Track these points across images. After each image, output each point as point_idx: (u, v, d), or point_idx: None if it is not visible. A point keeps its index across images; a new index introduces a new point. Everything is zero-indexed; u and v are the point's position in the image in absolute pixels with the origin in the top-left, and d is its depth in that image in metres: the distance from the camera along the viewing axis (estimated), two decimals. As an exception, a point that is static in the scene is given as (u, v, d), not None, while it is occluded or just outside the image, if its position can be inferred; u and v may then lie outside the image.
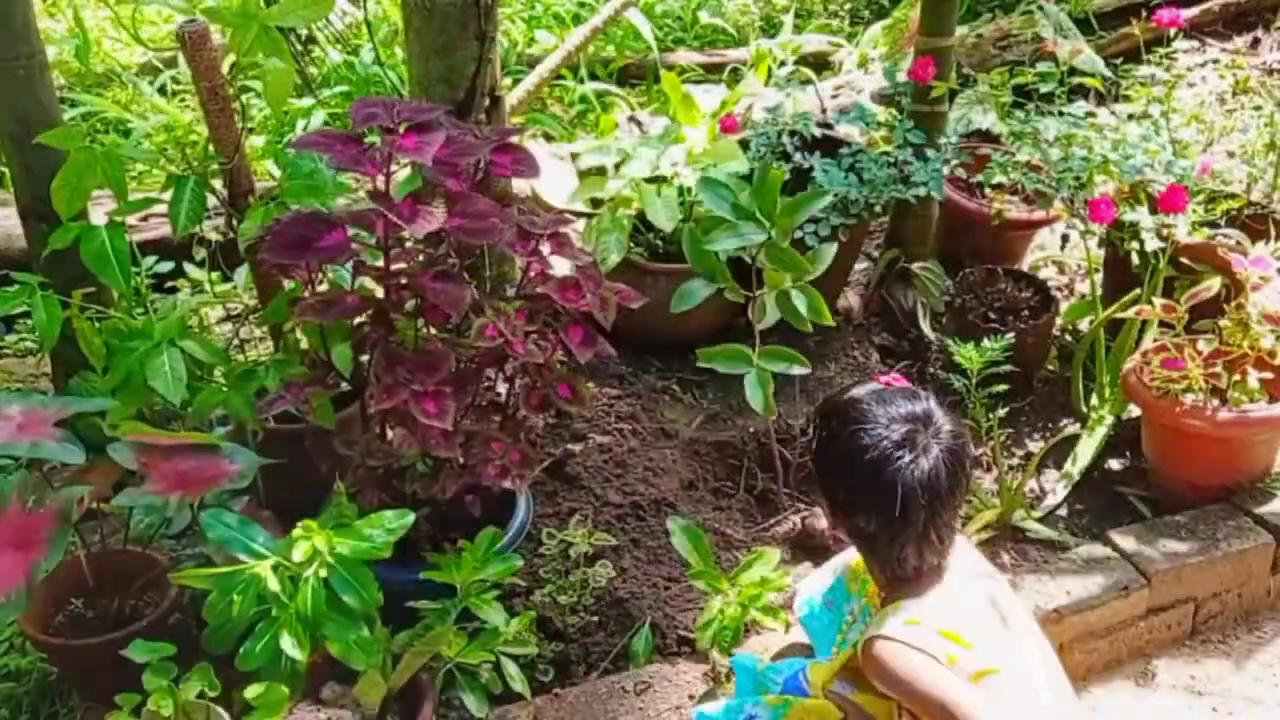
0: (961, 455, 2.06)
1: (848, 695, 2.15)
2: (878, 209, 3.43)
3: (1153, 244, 3.18)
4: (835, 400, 2.18)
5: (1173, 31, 3.62)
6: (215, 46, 2.54)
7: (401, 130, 2.14)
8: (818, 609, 2.46)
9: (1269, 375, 2.92)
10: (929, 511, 2.01)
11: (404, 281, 2.28)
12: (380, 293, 2.34)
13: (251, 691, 2.04)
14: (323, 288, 2.43)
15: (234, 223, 2.62)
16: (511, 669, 2.36)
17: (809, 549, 2.90)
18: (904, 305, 3.67)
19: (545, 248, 2.38)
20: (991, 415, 3.02)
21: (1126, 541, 2.83)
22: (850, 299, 3.76)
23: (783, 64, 5.08)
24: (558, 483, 3.00)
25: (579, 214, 3.89)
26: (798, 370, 2.87)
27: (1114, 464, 3.22)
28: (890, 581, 2.13)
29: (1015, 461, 3.21)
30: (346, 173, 2.47)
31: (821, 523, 2.88)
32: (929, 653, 1.99)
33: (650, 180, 3.38)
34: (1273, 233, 3.39)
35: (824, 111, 4.36)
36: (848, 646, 2.23)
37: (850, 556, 2.45)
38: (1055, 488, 3.11)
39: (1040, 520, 3.00)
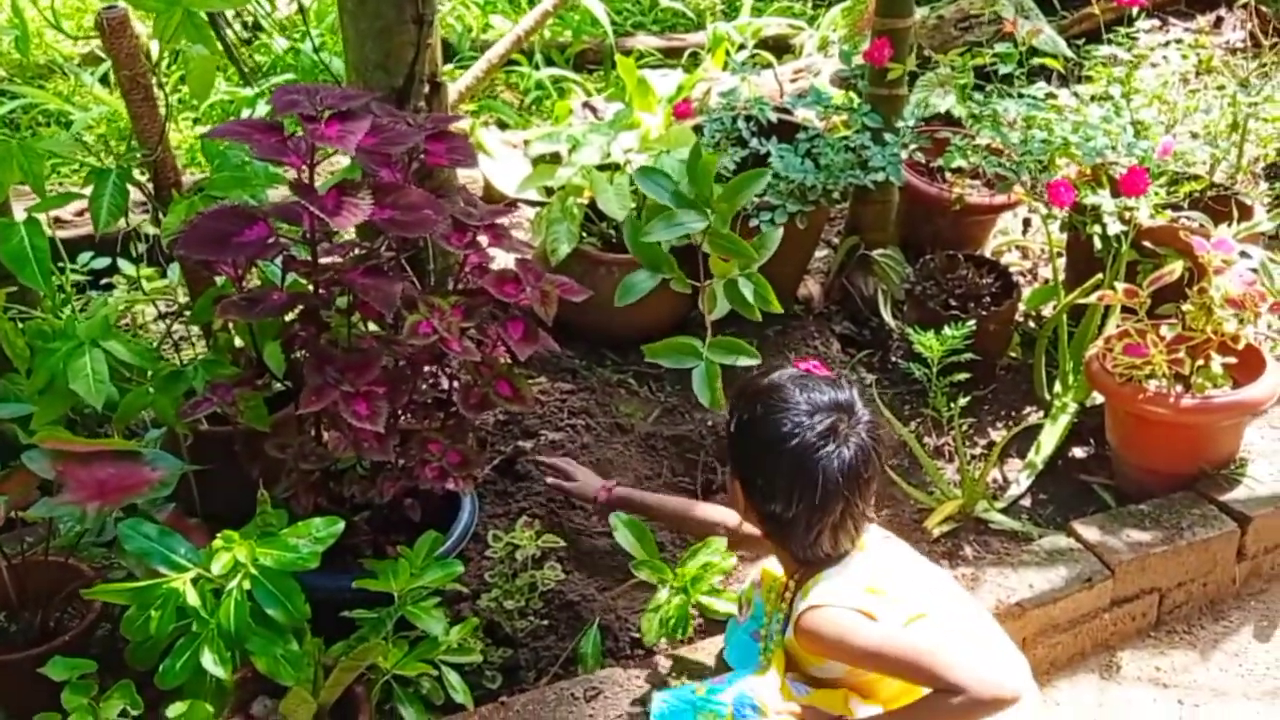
0: (879, 443, 2.10)
1: (801, 698, 2.10)
2: (836, 195, 3.35)
3: (1114, 227, 3.12)
4: (755, 385, 2.16)
5: (1135, 11, 3.56)
6: (135, 34, 2.43)
7: (325, 118, 2.04)
8: (734, 627, 2.40)
9: (1232, 360, 2.86)
10: (848, 500, 2.03)
11: (333, 277, 2.18)
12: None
13: (174, 710, 1.96)
14: (257, 284, 2.34)
15: (160, 217, 2.52)
16: (453, 679, 2.28)
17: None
18: (865, 293, 3.60)
19: (483, 240, 2.29)
20: (953, 404, 2.95)
21: (1090, 532, 2.77)
22: (810, 287, 3.69)
23: (742, 48, 4.99)
24: (508, 481, 2.92)
25: (532, 203, 3.81)
26: (746, 362, 2.79)
27: (1078, 452, 3.16)
28: (803, 564, 2.13)
29: (977, 451, 3.15)
30: (275, 165, 2.38)
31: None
32: (858, 608, 2.01)
33: (603, 168, 3.29)
34: (1236, 215, 3.33)
35: (782, 95, 4.28)
36: (773, 647, 2.20)
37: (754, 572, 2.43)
38: (1018, 477, 3.06)
39: (1003, 511, 2.95)
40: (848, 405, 2.07)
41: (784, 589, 2.22)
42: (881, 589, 2.05)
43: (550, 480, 2.78)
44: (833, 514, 2.04)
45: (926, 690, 1.99)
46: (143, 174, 2.60)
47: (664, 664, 2.44)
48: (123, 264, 3.10)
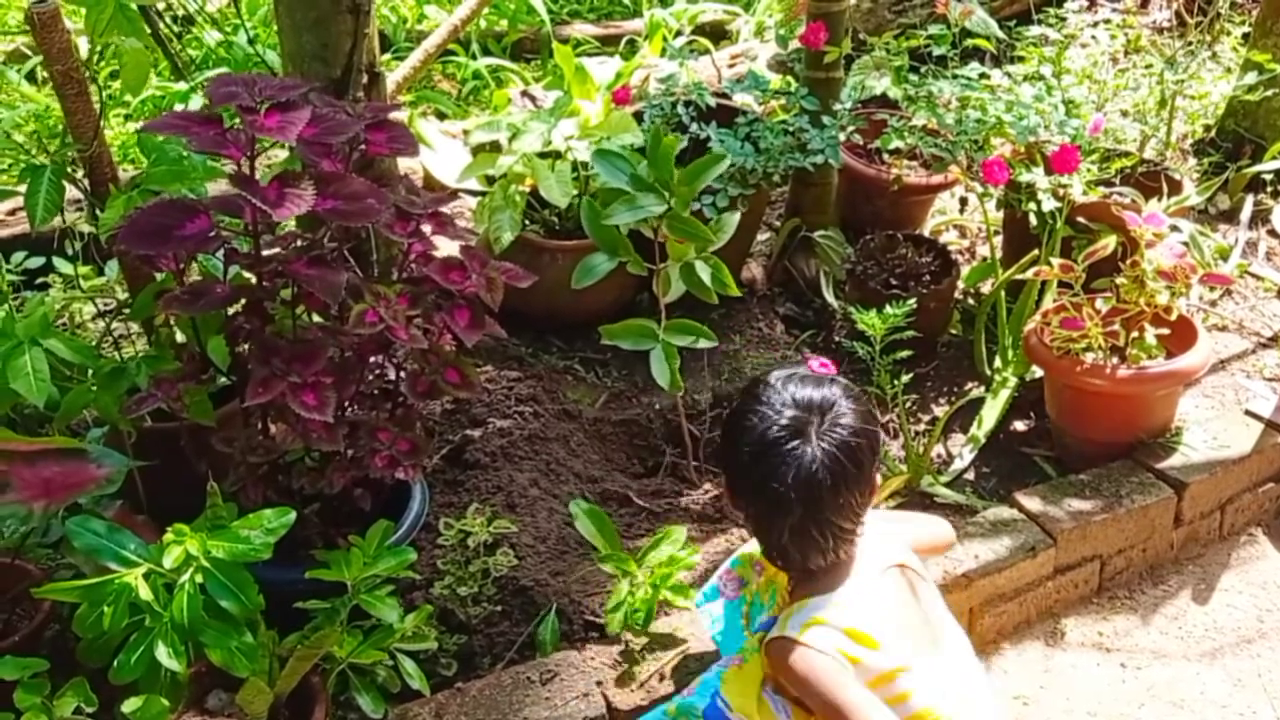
0: (855, 452, 1.91)
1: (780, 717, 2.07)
2: (776, 178, 3.38)
3: (1049, 204, 3.18)
4: (756, 376, 2.11)
5: (1063, -9, 3.62)
6: (67, 28, 2.39)
7: (264, 109, 2.03)
8: (718, 614, 2.35)
9: (1166, 331, 2.93)
10: (806, 507, 1.90)
11: (277, 268, 2.17)
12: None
13: (130, 705, 1.94)
14: (198, 278, 2.32)
15: (97, 213, 2.49)
16: (409, 666, 2.28)
17: (719, 523, 2.85)
18: (807, 274, 3.64)
19: (427, 228, 2.29)
20: (896, 381, 2.99)
21: (1032, 502, 2.82)
22: (754, 270, 3.71)
23: (679, 34, 5.01)
24: (457, 470, 2.91)
25: (474, 193, 3.79)
26: (704, 344, 2.81)
27: (1019, 425, 3.21)
28: (794, 576, 2.06)
29: (921, 427, 3.20)
30: (214, 158, 2.35)
31: None
32: (831, 655, 1.93)
33: (543, 155, 3.29)
34: (1166, 190, 3.41)
35: (720, 81, 4.30)
36: (757, 630, 2.16)
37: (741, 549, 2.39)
38: (961, 451, 3.10)
39: (948, 485, 2.99)
40: (823, 405, 1.93)
41: (785, 590, 2.15)
42: (867, 634, 1.95)
43: None
44: (789, 518, 1.91)
45: None
46: (77, 170, 2.56)
47: (620, 647, 2.45)
48: (58, 263, 3.05)
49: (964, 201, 3.80)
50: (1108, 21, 4.00)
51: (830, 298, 3.55)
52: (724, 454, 2.05)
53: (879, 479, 2.01)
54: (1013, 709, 2.59)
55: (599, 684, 2.38)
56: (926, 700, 1.95)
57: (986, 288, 3.51)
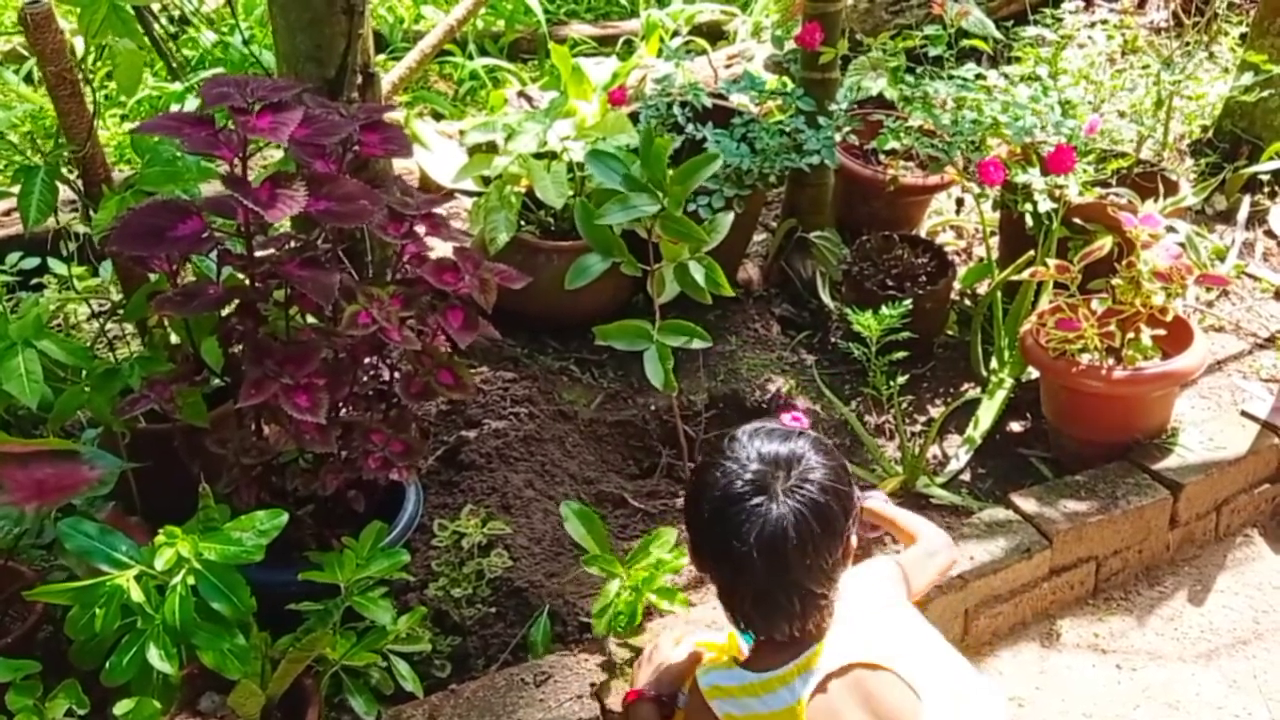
0: (823, 510, 1.75)
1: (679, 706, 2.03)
2: (772, 179, 3.38)
3: (1045, 205, 3.18)
4: (727, 432, 1.93)
5: (1060, -8, 3.62)
6: (61, 29, 2.39)
7: (256, 110, 2.02)
8: None
9: (1161, 332, 2.92)
10: (770, 570, 1.74)
11: (269, 270, 2.16)
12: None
13: (122, 707, 1.94)
14: (192, 279, 2.31)
15: (91, 214, 2.48)
16: (402, 668, 2.28)
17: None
18: (803, 275, 3.64)
19: (420, 229, 2.28)
20: (892, 382, 2.99)
21: (1027, 503, 2.82)
22: (750, 270, 3.71)
23: (676, 34, 5.00)
24: (452, 471, 2.91)
25: (470, 193, 3.80)
26: (698, 345, 2.81)
27: (1015, 426, 3.21)
28: (759, 645, 1.89)
29: (917, 428, 3.19)
30: (207, 159, 2.35)
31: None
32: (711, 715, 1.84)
33: (539, 156, 3.29)
34: (1162, 190, 3.40)
35: (716, 81, 4.30)
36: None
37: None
38: (958, 452, 3.10)
39: (944, 486, 2.99)
40: (789, 459, 1.78)
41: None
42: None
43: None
44: (752, 583, 1.76)
45: None
46: (71, 171, 2.56)
47: (613, 650, 2.45)
48: (53, 263, 3.05)
49: (960, 202, 3.79)
50: (1105, 22, 4.00)
51: (826, 298, 3.55)
52: (687, 511, 1.88)
53: (854, 540, 1.84)
54: (1008, 710, 2.58)
55: (592, 685, 2.37)
56: None
57: (983, 288, 3.50)
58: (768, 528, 1.73)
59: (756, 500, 1.75)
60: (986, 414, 3.15)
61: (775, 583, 1.75)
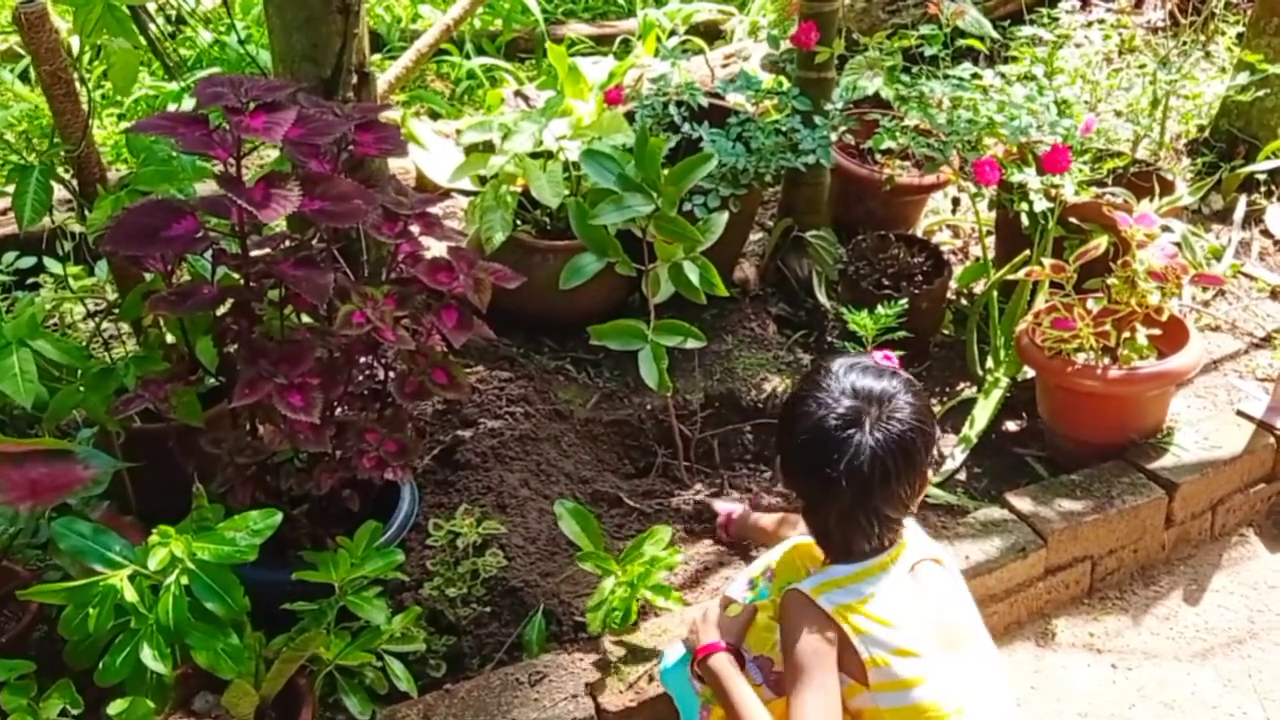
0: (908, 445, 1.92)
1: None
2: (768, 178, 3.37)
3: (1041, 204, 3.18)
4: (818, 362, 2.12)
5: (1056, -9, 3.62)
6: (55, 29, 2.39)
7: (250, 110, 2.02)
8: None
9: (1157, 332, 2.93)
10: (855, 494, 1.92)
11: (264, 269, 2.16)
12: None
13: (115, 707, 1.94)
14: (186, 279, 2.31)
15: (86, 213, 2.48)
16: (397, 668, 2.28)
17: (708, 526, 2.85)
18: (799, 274, 3.63)
19: (415, 229, 2.28)
20: (887, 382, 2.98)
21: (1023, 503, 2.82)
22: (746, 270, 3.71)
23: (673, 34, 5.00)
24: (447, 470, 2.91)
25: (466, 192, 3.79)
26: (692, 344, 2.81)
27: (1011, 425, 3.21)
28: (833, 556, 2.06)
29: (913, 428, 3.19)
30: (202, 158, 2.35)
31: (718, 504, 2.82)
32: (827, 613, 1.93)
33: (535, 155, 3.29)
34: (1158, 190, 3.40)
35: (713, 81, 4.30)
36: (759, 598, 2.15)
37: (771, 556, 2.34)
38: (953, 452, 3.10)
39: (939, 485, 2.99)
40: (882, 396, 1.93)
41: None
42: (880, 615, 1.94)
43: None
44: (839, 504, 1.93)
45: None
46: (66, 170, 2.56)
47: (609, 649, 2.45)
48: (49, 262, 3.05)
49: (956, 202, 3.80)
50: (1101, 21, 4.00)
51: (823, 298, 3.55)
52: (779, 436, 2.06)
53: (930, 473, 2.03)
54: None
55: (588, 685, 2.37)
56: (932, 695, 1.93)
57: (979, 288, 3.51)
58: (856, 459, 1.90)
59: (848, 432, 1.91)
60: (982, 413, 3.15)
61: (859, 507, 1.93)
